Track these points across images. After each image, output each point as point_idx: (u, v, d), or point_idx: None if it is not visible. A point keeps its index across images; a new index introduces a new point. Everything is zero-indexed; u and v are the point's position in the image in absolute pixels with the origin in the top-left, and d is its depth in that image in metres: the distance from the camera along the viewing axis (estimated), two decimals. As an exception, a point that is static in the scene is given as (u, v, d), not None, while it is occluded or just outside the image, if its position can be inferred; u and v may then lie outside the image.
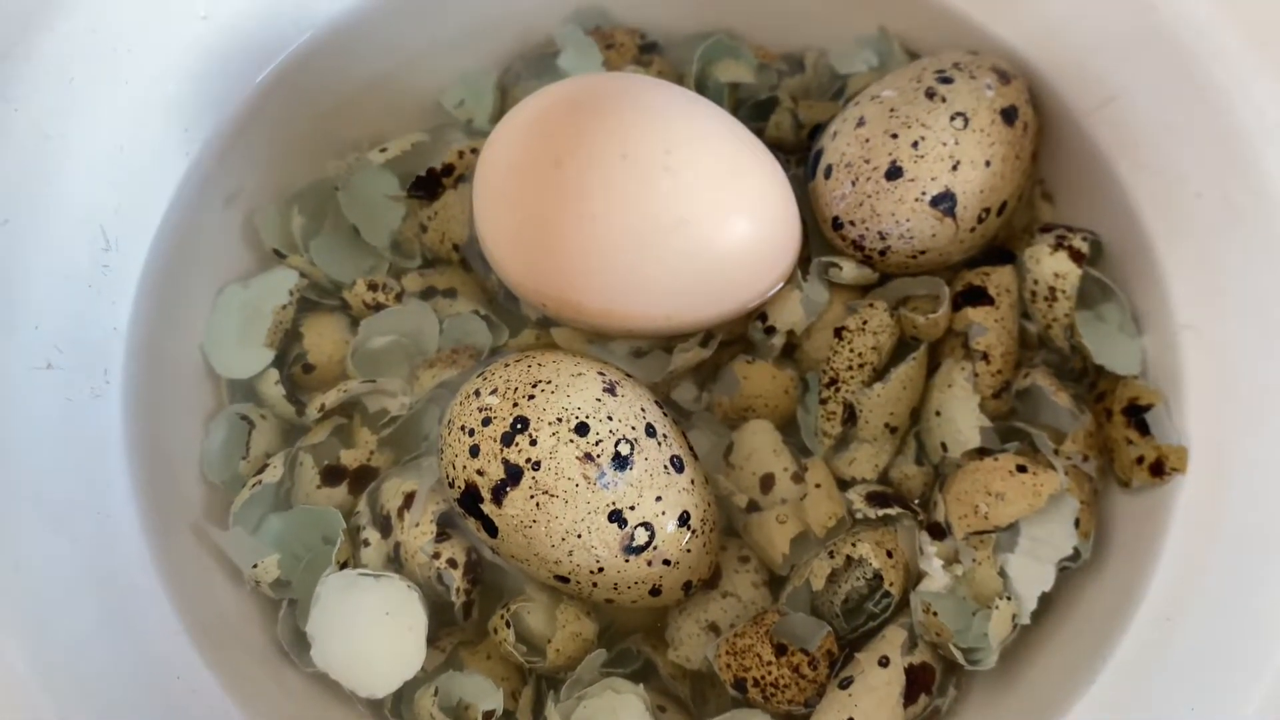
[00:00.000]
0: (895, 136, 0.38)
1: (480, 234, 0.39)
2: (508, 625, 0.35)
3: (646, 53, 0.45)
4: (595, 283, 0.36)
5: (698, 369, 0.39)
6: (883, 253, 0.39)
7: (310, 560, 0.38)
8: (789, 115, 0.43)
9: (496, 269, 0.39)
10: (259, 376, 0.40)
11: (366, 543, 0.38)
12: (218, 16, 0.41)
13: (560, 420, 0.33)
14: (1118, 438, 0.37)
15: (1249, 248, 0.36)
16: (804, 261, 0.39)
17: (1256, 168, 0.36)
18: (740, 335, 0.40)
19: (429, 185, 0.42)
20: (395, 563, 0.37)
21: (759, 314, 0.39)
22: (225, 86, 0.42)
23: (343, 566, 0.37)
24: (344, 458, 0.39)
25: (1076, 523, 0.36)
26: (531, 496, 0.33)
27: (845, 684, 0.34)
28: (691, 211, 0.35)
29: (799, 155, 0.42)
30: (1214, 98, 0.37)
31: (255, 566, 0.37)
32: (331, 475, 0.39)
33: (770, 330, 0.39)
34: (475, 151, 0.42)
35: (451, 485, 0.35)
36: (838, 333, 0.38)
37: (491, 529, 0.34)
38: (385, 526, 0.37)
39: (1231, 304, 0.36)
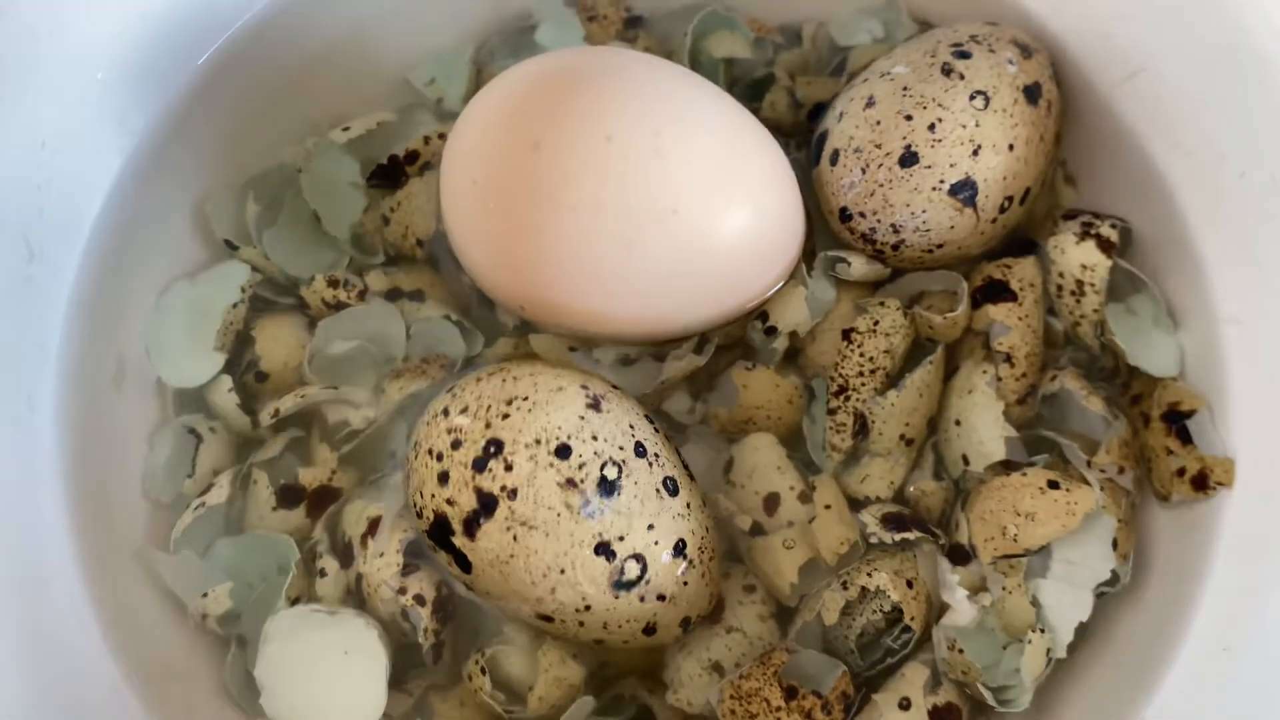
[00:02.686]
0: (909, 118, 0.34)
1: (449, 227, 0.35)
2: (483, 672, 0.32)
3: (632, 27, 0.42)
4: (578, 281, 0.32)
5: (692, 377, 0.36)
6: (895, 247, 0.35)
7: (264, 591, 0.34)
8: (786, 94, 0.39)
9: (467, 266, 0.35)
10: (209, 384, 0.37)
11: (323, 572, 0.34)
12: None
13: (539, 442, 0.30)
14: (1156, 447, 0.34)
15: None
16: (808, 256, 0.36)
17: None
18: (739, 339, 0.36)
19: (391, 173, 0.38)
20: (355, 596, 0.34)
21: (759, 314, 0.35)
22: (164, 70, 0.38)
23: (294, 602, 0.33)
24: (303, 477, 0.35)
25: (1114, 543, 0.32)
26: (508, 529, 0.29)
27: (863, 730, 0.31)
28: (685, 200, 0.31)
29: (798, 138, 0.39)
30: (1257, 66, 0.33)
31: (205, 596, 0.34)
32: (288, 496, 0.35)
33: (771, 331, 0.35)
34: (443, 137, 0.38)
35: (419, 515, 0.31)
36: (846, 335, 0.34)
37: (464, 564, 0.30)
38: (345, 555, 0.34)
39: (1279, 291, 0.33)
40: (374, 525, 0.33)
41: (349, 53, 0.41)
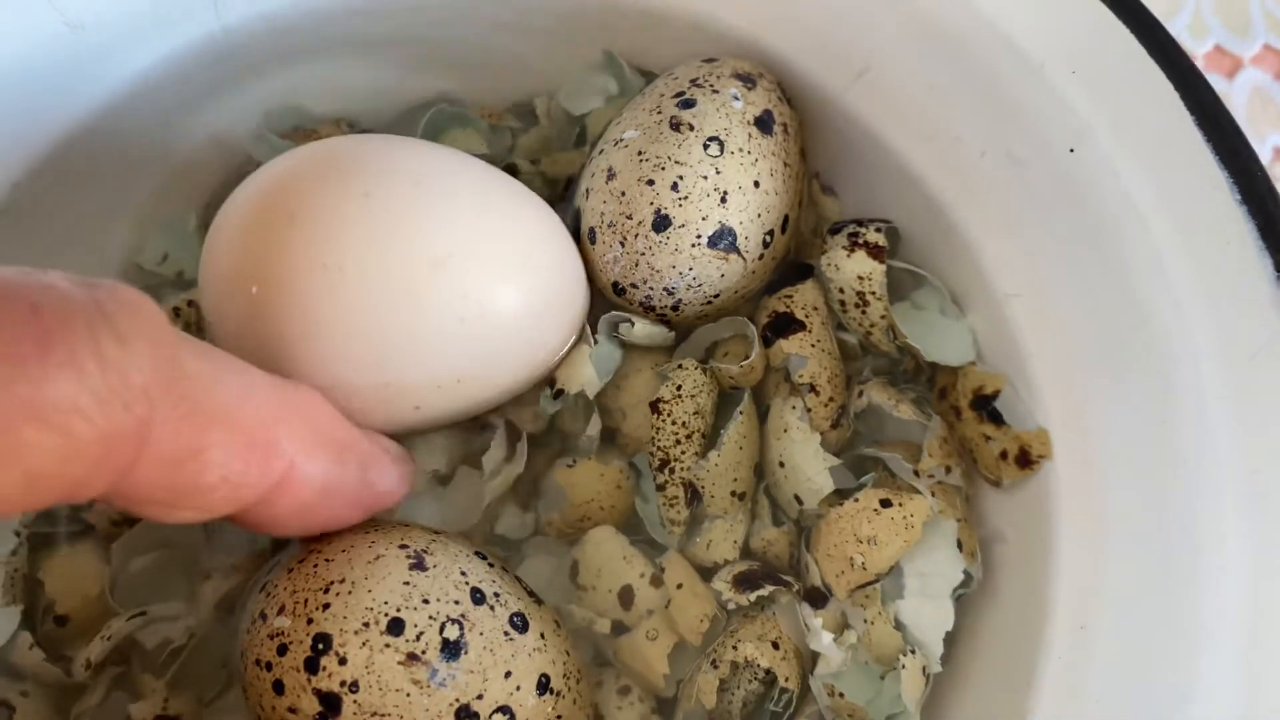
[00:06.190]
0: (651, 183, 0.33)
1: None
2: None
3: (359, 143, 0.40)
4: (359, 349, 0.30)
5: (516, 487, 0.34)
6: (675, 308, 0.34)
7: None
8: (538, 177, 0.38)
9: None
10: (8, 645, 0.33)
11: (191, 811, 0.31)
12: None
13: (367, 625, 0.28)
14: (973, 436, 0.34)
15: (1046, 199, 0.33)
16: (592, 322, 0.35)
17: (1029, 115, 0.33)
18: (548, 428, 0.35)
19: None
20: (229, 822, 0.31)
21: (549, 380, 0.34)
22: None
23: None
24: (134, 715, 0.33)
25: (959, 544, 0.33)
26: (359, 725, 0.28)
27: (772, 805, 0.31)
28: (458, 246, 0.30)
29: (562, 216, 0.38)
30: (968, 47, 0.34)
31: None
32: (127, 738, 0.33)
33: (559, 394, 0.33)
34: (192, 304, 0.36)
35: (265, 730, 0.29)
36: (654, 407, 0.34)
37: (325, 770, 0.29)
38: (206, 785, 0.32)
39: (1047, 261, 0.34)
40: (227, 748, 0.31)
41: (75, 251, 0.38)
